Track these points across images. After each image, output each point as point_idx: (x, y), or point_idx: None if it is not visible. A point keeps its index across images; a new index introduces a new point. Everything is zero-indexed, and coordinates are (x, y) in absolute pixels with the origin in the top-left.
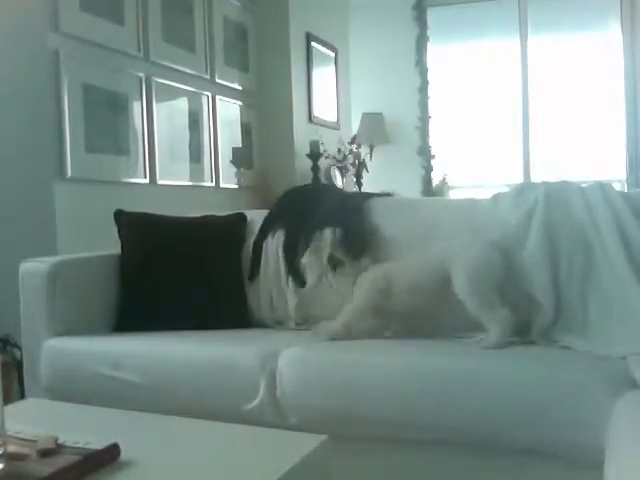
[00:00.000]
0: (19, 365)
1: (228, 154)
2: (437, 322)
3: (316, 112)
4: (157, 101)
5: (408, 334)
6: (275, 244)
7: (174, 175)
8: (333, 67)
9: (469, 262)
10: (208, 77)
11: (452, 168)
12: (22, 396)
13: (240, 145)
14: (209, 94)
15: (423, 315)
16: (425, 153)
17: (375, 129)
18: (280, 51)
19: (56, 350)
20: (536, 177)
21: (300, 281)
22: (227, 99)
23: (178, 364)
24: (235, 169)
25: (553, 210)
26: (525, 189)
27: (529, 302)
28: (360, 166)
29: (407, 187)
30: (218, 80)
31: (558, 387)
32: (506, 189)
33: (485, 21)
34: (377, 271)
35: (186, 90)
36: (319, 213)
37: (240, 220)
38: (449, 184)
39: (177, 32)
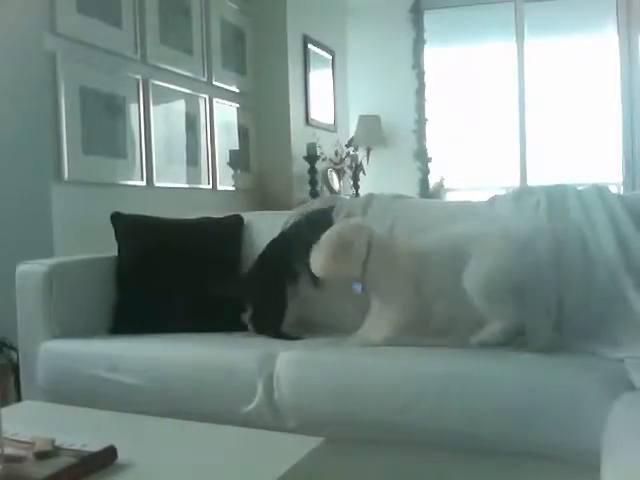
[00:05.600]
0: (16, 367)
1: (225, 156)
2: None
3: (313, 114)
4: (154, 103)
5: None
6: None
7: (171, 177)
8: (330, 70)
9: (488, 260)
10: (205, 79)
11: (449, 171)
12: (19, 398)
13: (237, 147)
14: (206, 96)
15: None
16: (422, 156)
17: (372, 132)
18: (277, 54)
19: (53, 352)
20: (533, 180)
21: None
22: (224, 101)
23: (175, 366)
24: (232, 171)
25: (555, 214)
26: (524, 193)
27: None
28: (357, 169)
29: (404, 189)
30: (215, 82)
31: (555, 389)
32: (502, 192)
33: (482, 24)
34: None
35: (183, 92)
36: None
37: (237, 222)
38: (446, 186)
39: (174, 34)
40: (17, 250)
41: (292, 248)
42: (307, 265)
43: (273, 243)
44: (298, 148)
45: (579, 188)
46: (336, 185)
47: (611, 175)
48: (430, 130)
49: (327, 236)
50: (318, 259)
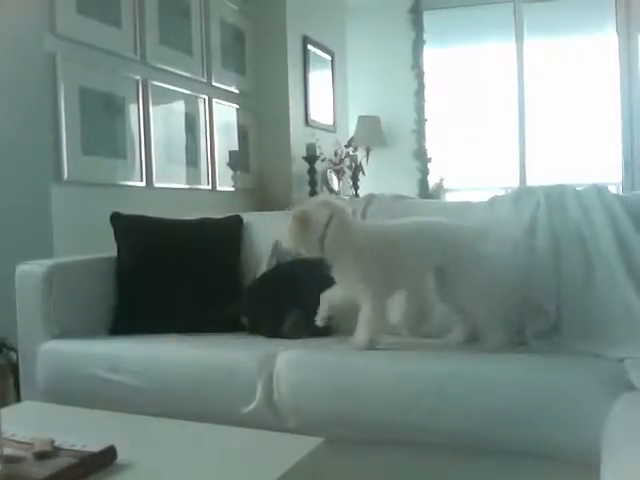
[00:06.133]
0: (15, 368)
1: (225, 157)
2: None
3: (313, 115)
4: (154, 104)
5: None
6: None
7: (171, 178)
8: (330, 70)
9: (483, 281)
10: (205, 80)
11: (448, 171)
12: (18, 399)
13: (237, 148)
14: (206, 97)
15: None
16: (421, 156)
17: (372, 132)
18: (277, 54)
19: (52, 353)
20: (532, 180)
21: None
22: (224, 102)
23: (175, 366)
24: (232, 172)
25: (554, 215)
26: (524, 193)
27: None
28: (357, 169)
29: (403, 190)
30: (215, 83)
31: (555, 389)
32: (502, 192)
33: (481, 25)
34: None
35: (183, 93)
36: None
37: (236, 223)
38: (445, 187)
39: (174, 35)
40: (17, 250)
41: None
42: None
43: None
44: (298, 149)
45: (578, 188)
46: (335, 185)
47: (610, 175)
48: (430, 130)
49: (293, 212)
50: (285, 233)
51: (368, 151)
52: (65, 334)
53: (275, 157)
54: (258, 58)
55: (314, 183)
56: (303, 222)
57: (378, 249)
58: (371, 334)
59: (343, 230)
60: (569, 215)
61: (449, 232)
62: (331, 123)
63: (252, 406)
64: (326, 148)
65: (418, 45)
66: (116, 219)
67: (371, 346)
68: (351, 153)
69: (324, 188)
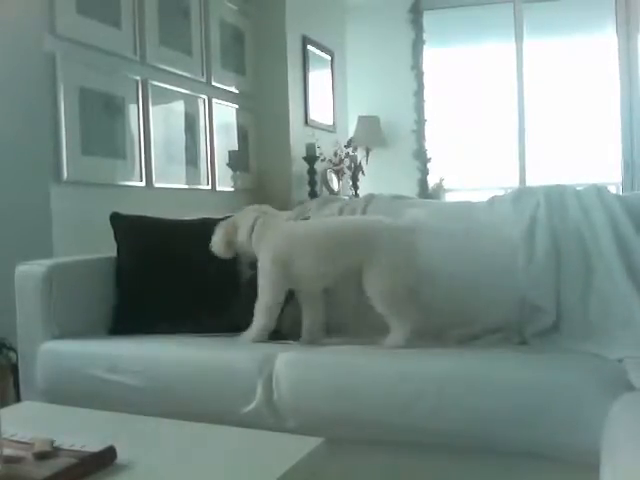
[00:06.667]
0: (15, 368)
1: (224, 157)
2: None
3: (312, 115)
4: (153, 104)
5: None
6: None
7: (170, 178)
8: (329, 70)
9: (389, 259)
10: (204, 80)
11: (448, 171)
12: (18, 399)
13: (236, 148)
14: (205, 97)
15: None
16: (421, 156)
17: (371, 132)
18: (276, 54)
19: (52, 353)
20: (532, 180)
21: None
22: (223, 102)
23: (175, 367)
24: (231, 172)
25: (554, 215)
26: (523, 194)
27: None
28: (356, 169)
29: (403, 190)
30: (214, 83)
31: (554, 389)
32: (502, 192)
33: (481, 25)
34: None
35: (182, 93)
36: None
37: None
38: (445, 187)
39: (174, 35)
40: (16, 251)
41: None
42: None
43: None
44: (297, 149)
45: (578, 188)
46: (335, 186)
47: (610, 175)
48: (429, 130)
49: (220, 223)
50: (212, 241)
51: (368, 151)
52: (65, 334)
53: (275, 157)
54: (258, 58)
55: (314, 183)
56: (233, 226)
57: (291, 248)
58: (257, 331)
59: (265, 229)
60: (569, 215)
61: (363, 230)
62: (331, 123)
63: (252, 406)
64: (326, 148)
65: (418, 45)
66: (116, 219)
67: (256, 340)
68: (351, 153)
69: (324, 188)
